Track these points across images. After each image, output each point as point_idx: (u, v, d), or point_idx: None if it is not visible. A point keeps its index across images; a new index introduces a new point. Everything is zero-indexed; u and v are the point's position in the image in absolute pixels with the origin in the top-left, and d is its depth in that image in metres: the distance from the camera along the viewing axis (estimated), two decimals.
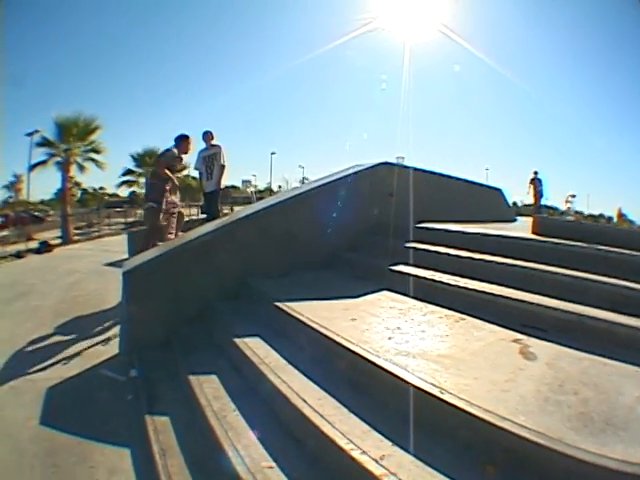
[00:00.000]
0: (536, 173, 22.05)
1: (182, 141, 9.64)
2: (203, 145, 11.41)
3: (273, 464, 3.08)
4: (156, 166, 9.80)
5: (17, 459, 3.78)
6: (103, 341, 6.46)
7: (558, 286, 4.79)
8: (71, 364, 5.59)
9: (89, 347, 6.21)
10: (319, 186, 7.79)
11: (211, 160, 11.19)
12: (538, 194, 22.68)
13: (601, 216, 58.86)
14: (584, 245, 5.47)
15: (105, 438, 4.01)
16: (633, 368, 3.50)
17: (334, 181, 7.82)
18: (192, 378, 4.42)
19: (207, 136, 11.37)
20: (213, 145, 11.38)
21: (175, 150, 9.46)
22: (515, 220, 12.95)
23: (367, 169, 8.36)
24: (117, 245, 15.83)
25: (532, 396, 3.04)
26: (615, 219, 48.71)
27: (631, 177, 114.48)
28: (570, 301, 4.44)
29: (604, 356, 3.68)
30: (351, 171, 8.15)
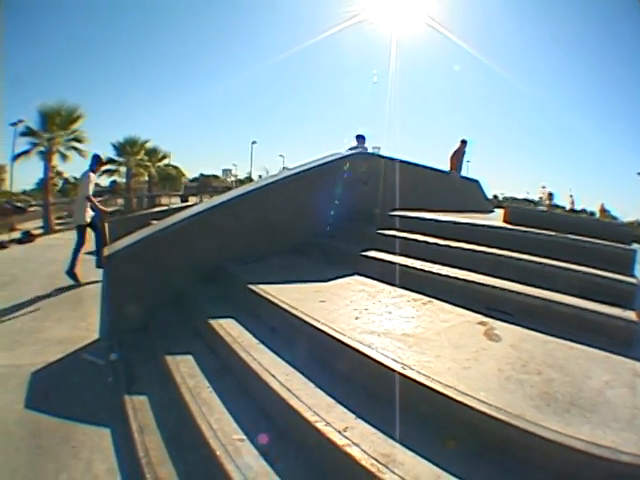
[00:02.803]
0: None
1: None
2: None
3: (244, 437, 3.17)
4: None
5: (3, 441, 3.81)
6: (84, 327, 6.47)
7: (527, 273, 4.92)
8: (54, 350, 5.59)
9: (71, 333, 6.25)
10: (294, 174, 7.90)
11: None
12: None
13: (583, 211, 59.34)
14: (555, 234, 5.57)
15: (87, 419, 4.07)
16: (603, 353, 3.59)
17: (309, 169, 7.95)
18: (169, 358, 4.50)
19: None
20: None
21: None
22: (493, 211, 12.96)
23: (343, 158, 8.48)
24: None
25: (493, 374, 3.13)
26: (598, 214, 49.22)
27: (618, 174, 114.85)
28: (539, 287, 4.55)
29: (572, 340, 3.77)
30: (327, 160, 8.28)
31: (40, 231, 23.12)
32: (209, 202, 8.20)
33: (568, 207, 58.65)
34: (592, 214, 53.59)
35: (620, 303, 4.20)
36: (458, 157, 16.88)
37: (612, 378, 3.18)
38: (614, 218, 47.50)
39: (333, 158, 8.40)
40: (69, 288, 8.87)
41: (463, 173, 17.11)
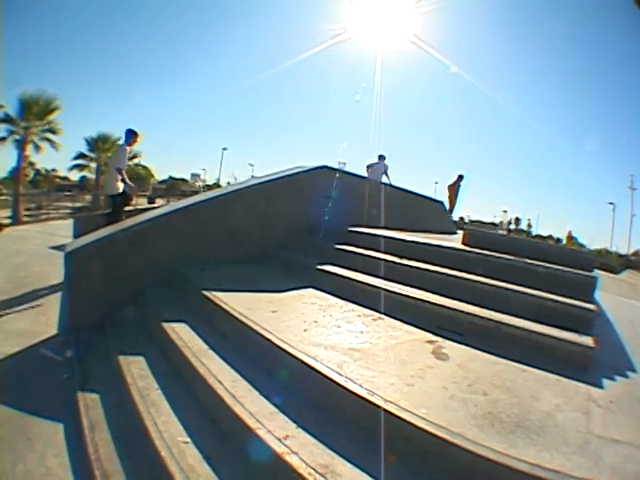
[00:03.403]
0: (461, 177, 21.10)
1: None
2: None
3: (188, 440, 3.17)
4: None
5: None
6: (44, 321, 6.41)
7: (481, 294, 4.95)
8: (14, 342, 5.50)
9: (31, 327, 6.21)
10: (256, 184, 7.89)
11: None
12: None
13: (550, 237, 59.88)
14: (511, 258, 5.61)
15: (42, 413, 4.06)
16: (554, 377, 3.58)
17: (271, 180, 7.95)
18: (121, 358, 4.49)
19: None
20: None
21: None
22: (456, 233, 12.97)
23: (306, 171, 8.51)
24: (64, 229, 15.41)
25: (437, 392, 3.11)
26: (564, 241, 49.72)
27: (590, 203, 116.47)
28: (492, 309, 4.58)
29: (523, 363, 3.77)
30: (289, 172, 8.29)
31: (8, 221, 22.88)
32: (171, 205, 8.17)
33: (534, 232, 59.40)
34: (559, 240, 54.28)
35: (577, 329, 4.21)
36: (454, 190, 19.56)
37: (563, 402, 3.18)
38: (581, 245, 48.26)
39: (296, 171, 8.44)
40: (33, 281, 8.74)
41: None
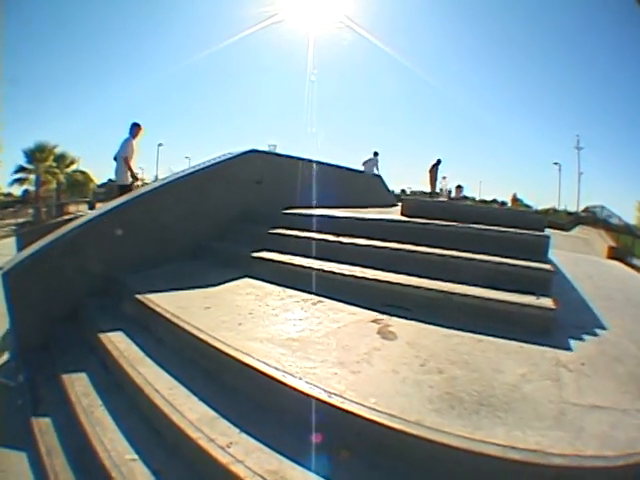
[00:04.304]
0: (438, 161, 22.88)
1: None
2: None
3: (136, 456, 3.00)
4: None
5: None
6: None
7: (428, 266, 4.82)
8: None
9: None
10: (183, 176, 7.63)
11: None
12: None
13: (494, 201, 60.76)
14: (455, 224, 5.53)
15: (6, 442, 3.95)
16: (515, 344, 3.46)
17: (198, 170, 7.75)
18: (65, 377, 4.27)
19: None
20: None
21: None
22: (396, 205, 12.90)
23: (235, 157, 8.36)
24: (9, 248, 15.14)
25: (386, 377, 2.93)
26: (510, 203, 50.54)
27: (536, 164, 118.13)
28: (442, 280, 4.44)
29: (479, 333, 3.64)
30: (217, 160, 8.12)
31: None
32: (99, 209, 7.92)
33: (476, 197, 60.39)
34: (503, 203, 55.14)
35: (534, 291, 4.11)
36: (434, 173, 22.83)
37: (529, 370, 3.05)
38: (527, 206, 49.10)
39: (223, 158, 8.26)
40: None
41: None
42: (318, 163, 10.14)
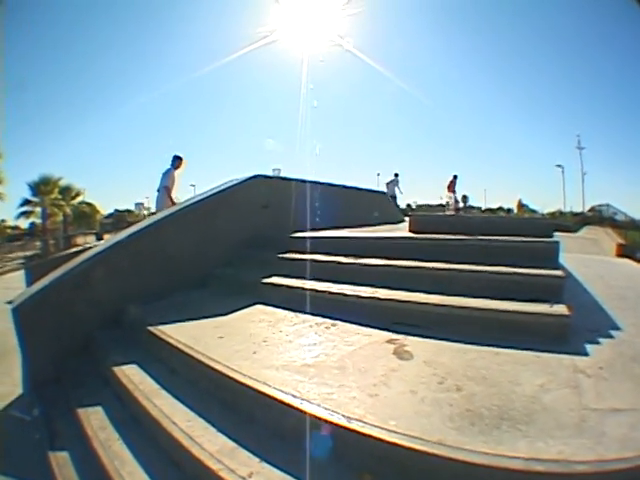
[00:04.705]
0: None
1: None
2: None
3: None
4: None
5: None
6: (10, 382, 6.06)
7: (440, 281, 4.78)
8: None
9: None
10: (190, 205, 7.66)
11: None
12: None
13: (500, 209, 60.87)
14: (464, 238, 5.49)
15: (24, 476, 3.81)
16: (532, 354, 3.42)
17: (206, 198, 7.77)
18: (80, 411, 4.25)
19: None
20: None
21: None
22: (404, 221, 12.69)
23: (240, 183, 8.34)
24: (19, 281, 15.17)
25: (405, 398, 2.90)
26: (515, 210, 50.48)
27: (538, 168, 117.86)
28: (454, 295, 4.40)
29: (495, 346, 3.61)
30: (222, 187, 8.13)
31: None
32: (107, 241, 7.95)
33: (481, 206, 60.43)
34: (509, 210, 55.23)
35: (548, 298, 4.08)
36: (452, 188, 25.47)
37: (547, 380, 3.01)
38: (532, 211, 49.07)
39: (228, 185, 8.26)
40: None
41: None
42: (323, 184, 10.15)
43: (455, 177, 25.72)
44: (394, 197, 21.75)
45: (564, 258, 5.56)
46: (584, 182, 54.54)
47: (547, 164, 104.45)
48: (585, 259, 9.17)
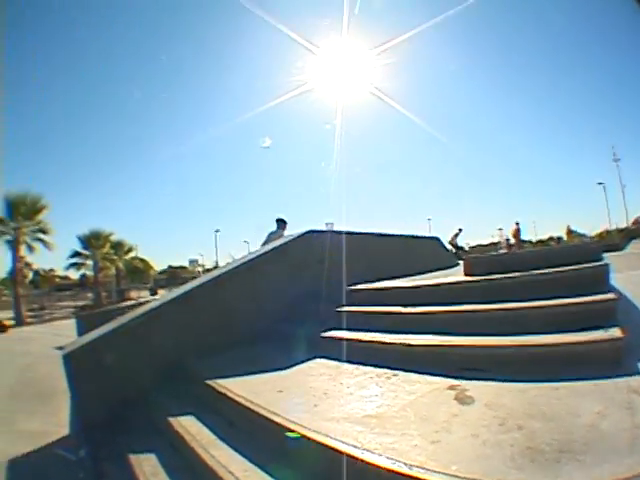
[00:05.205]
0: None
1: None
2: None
3: None
4: None
5: None
6: (55, 422, 6.32)
7: (496, 322, 4.72)
8: (27, 443, 5.48)
9: (43, 427, 6.18)
10: (246, 262, 7.82)
11: None
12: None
13: (551, 239, 60.66)
14: (517, 275, 5.44)
15: None
16: (589, 383, 3.38)
17: (262, 254, 7.97)
18: (132, 457, 4.35)
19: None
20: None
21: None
22: (457, 265, 12.69)
23: (294, 239, 8.49)
24: (68, 329, 15.57)
25: (467, 443, 2.86)
26: (565, 237, 50.17)
27: (581, 190, 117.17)
28: (511, 334, 4.34)
29: (554, 380, 3.54)
30: (277, 243, 8.33)
31: (11, 322, 23.21)
32: (164, 296, 8.21)
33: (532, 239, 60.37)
34: (559, 239, 54.97)
35: (602, 324, 4.01)
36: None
37: (604, 406, 2.96)
38: (581, 235, 48.79)
39: (282, 241, 8.49)
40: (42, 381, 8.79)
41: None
42: (374, 235, 10.38)
43: (460, 230, 28.28)
44: (461, 248, 25.38)
45: (614, 279, 5.48)
46: (625, 195, 53.85)
47: (587, 183, 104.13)
48: (633, 276, 9.03)
